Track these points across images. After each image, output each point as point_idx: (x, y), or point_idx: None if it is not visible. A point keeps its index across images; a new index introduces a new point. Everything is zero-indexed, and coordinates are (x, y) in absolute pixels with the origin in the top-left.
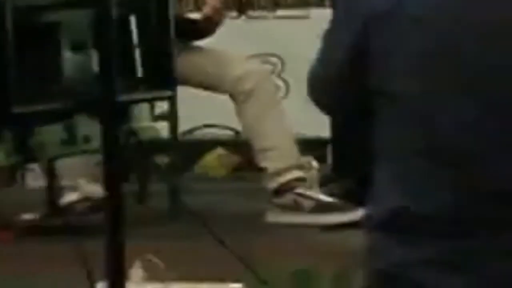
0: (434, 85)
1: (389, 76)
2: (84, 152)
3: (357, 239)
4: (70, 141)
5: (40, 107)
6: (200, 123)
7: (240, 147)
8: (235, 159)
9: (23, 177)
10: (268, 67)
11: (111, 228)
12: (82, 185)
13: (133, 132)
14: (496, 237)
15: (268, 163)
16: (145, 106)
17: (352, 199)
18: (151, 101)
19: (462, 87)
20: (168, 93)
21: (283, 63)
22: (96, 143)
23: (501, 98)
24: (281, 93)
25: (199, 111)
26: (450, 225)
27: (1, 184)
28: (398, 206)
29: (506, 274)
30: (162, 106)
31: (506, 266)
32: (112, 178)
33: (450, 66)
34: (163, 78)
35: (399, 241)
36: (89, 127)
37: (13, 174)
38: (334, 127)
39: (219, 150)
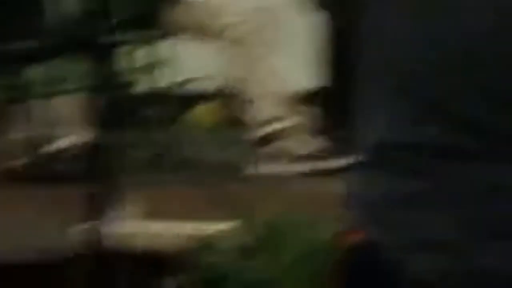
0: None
1: None
2: (68, 92)
3: (341, 186)
4: (54, 81)
5: (24, 46)
6: (190, 75)
7: (228, 99)
8: (223, 111)
9: (10, 125)
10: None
11: (93, 172)
12: (73, 132)
13: (118, 75)
14: (476, 169)
15: (255, 112)
16: (131, 51)
17: (340, 147)
18: (136, 43)
19: None
20: (152, 35)
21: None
22: (80, 83)
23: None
24: (276, 46)
25: (190, 63)
26: (432, 157)
27: None
28: (381, 138)
29: (484, 210)
30: (156, 56)
31: (484, 200)
32: (95, 118)
33: None
34: (148, 21)
35: (380, 175)
36: (73, 67)
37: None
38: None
39: (205, 103)
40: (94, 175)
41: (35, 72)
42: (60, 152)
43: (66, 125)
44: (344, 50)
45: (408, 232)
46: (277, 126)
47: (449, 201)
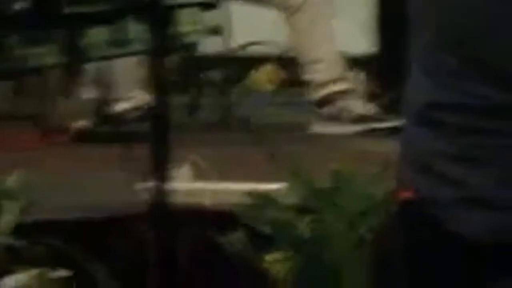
0: None
1: None
2: (131, 54)
3: (394, 146)
4: (118, 43)
5: (89, 8)
6: (251, 39)
7: (289, 62)
8: (283, 74)
9: (78, 90)
10: None
11: (155, 132)
12: (134, 94)
13: (179, 36)
14: None
15: (314, 75)
16: (193, 14)
17: (393, 110)
18: (198, 5)
19: None
20: None
21: None
22: (143, 45)
23: None
24: (331, 12)
25: (251, 27)
26: (477, 118)
27: (59, 93)
28: (429, 99)
29: None
30: (215, 21)
31: None
32: (157, 80)
33: None
34: None
35: (428, 134)
36: (136, 30)
37: (69, 86)
38: (383, 41)
39: (268, 66)
40: (159, 135)
41: (98, 34)
42: (126, 113)
43: (130, 87)
44: (395, 15)
45: (456, 188)
46: (334, 88)
47: (496, 159)
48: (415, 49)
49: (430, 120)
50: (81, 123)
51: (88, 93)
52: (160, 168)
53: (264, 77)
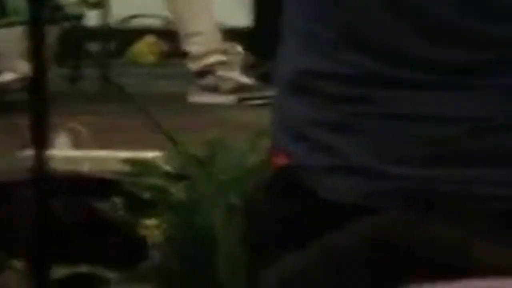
0: None
1: None
2: (12, 24)
3: (268, 116)
4: None
5: None
6: (131, 12)
7: (169, 35)
8: (164, 46)
9: None
10: None
11: (33, 100)
12: (18, 65)
13: (58, 8)
14: (393, 100)
15: (192, 46)
16: None
17: (270, 82)
18: None
19: None
20: None
21: None
22: (24, 15)
23: None
24: None
25: (131, 1)
26: (350, 86)
27: None
28: (303, 67)
29: (396, 135)
30: None
31: (397, 128)
32: (36, 50)
33: None
34: None
35: (301, 102)
36: (16, 1)
37: None
38: (259, 13)
39: (149, 38)
40: (38, 105)
41: None
42: (10, 83)
43: (13, 58)
44: None
45: (326, 155)
46: (211, 59)
47: (365, 127)
48: (290, 20)
49: (303, 88)
50: None
51: None
52: (39, 137)
53: (145, 49)
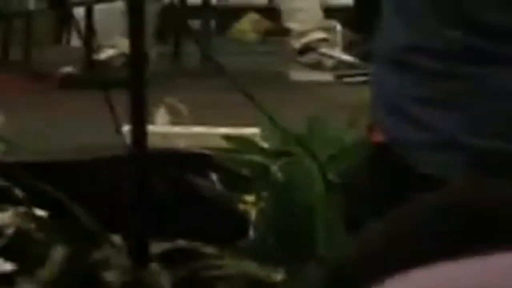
0: None
1: None
2: (111, 0)
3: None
4: None
5: None
6: None
7: (272, 12)
8: (266, 24)
9: (68, 38)
10: None
11: (133, 76)
12: (118, 41)
13: None
14: (490, 76)
15: (294, 23)
16: None
17: (371, 59)
18: None
19: None
20: None
21: None
22: None
23: None
24: None
25: None
26: (455, 63)
27: (48, 41)
28: (405, 43)
29: (496, 111)
30: None
31: (497, 104)
32: (136, 27)
33: None
34: None
35: (402, 77)
36: None
37: (59, 34)
38: None
39: (252, 15)
40: (137, 81)
41: None
42: (110, 59)
43: (112, 35)
44: None
45: (427, 132)
46: (313, 37)
47: (468, 104)
48: None
49: (404, 63)
50: (67, 70)
51: (75, 41)
52: (138, 113)
53: (247, 26)
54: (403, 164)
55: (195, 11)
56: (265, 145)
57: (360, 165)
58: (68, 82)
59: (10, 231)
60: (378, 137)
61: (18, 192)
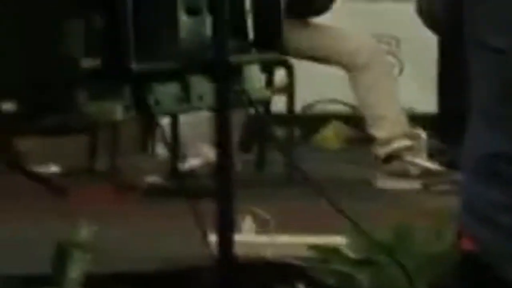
0: None
1: None
2: (198, 108)
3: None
4: (185, 99)
5: (157, 65)
6: (316, 98)
7: (355, 120)
8: (349, 131)
9: (152, 147)
10: (383, 46)
11: (219, 185)
12: (204, 150)
13: (244, 92)
14: None
15: (379, 131)
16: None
17: (457, 168)
18: (261, 64)
19: None
20: (277, 55)
21: (398, 44)
22: (209, 101)
23: None
24: (395, 72)
25: (317, 86)
26: None
27: (133, 150)
28: (493, 150)
29: None
30: (281, 80)
31: None
32: (221, 135)
33: None
34: (272, 41)
35: (490, 185)
36: (202, 87)
37: (144, 143)
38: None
39: (335, 123)
40: (224, 190)
41: (165, 90)
42: (196, 168)
43: (197, 144)
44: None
45: None
46: (398, 145)
47: None
48: (478, 100)
49: (492, 171)
50: (153, 179)
51: (161, 149)
52: (224, 222)
53: (331, 134)
54: (495, 275)
55: (279, 119)
56: (351, 254)
57: (449, 274)
58: (153, 192)
59: None
60: (468, 245)
61: None
